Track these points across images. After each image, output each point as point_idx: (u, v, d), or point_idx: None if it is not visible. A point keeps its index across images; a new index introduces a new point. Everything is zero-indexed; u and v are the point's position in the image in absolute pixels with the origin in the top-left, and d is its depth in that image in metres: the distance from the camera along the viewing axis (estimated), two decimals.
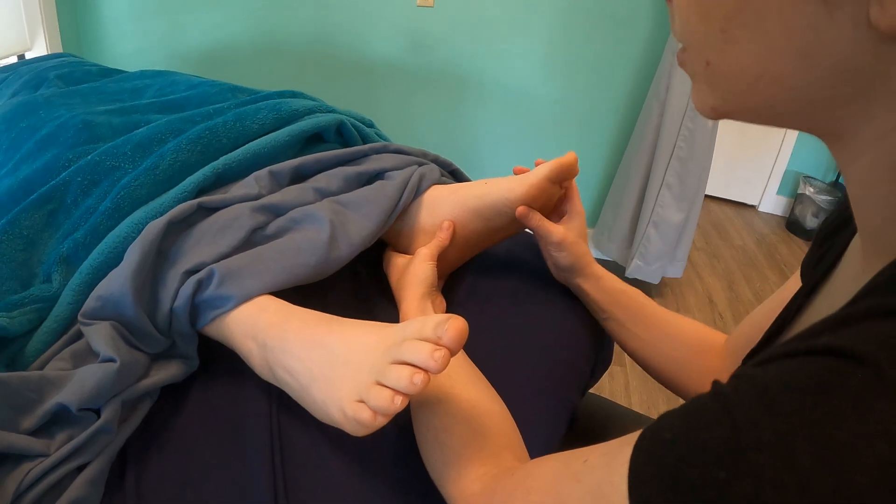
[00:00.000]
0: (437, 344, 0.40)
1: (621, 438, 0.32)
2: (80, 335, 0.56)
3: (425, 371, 0.40)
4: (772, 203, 3.32)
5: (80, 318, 0.55)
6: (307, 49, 2.31)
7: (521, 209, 0.65)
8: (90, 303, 0.54)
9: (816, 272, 0.47)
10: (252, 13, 2.31)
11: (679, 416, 0.28)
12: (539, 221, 0.66)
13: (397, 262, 0.70)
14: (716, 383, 0.28)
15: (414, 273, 0.64)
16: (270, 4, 2.27)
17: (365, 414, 0.42)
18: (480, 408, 0.48)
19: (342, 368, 0.45)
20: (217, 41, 2.41)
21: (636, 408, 1.65)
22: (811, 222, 2.99)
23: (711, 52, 0.31)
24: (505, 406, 0.51)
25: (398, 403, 0.41)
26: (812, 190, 2.96)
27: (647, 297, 0.70)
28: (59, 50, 2.32)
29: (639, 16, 1.99)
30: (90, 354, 0.54)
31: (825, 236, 0.49)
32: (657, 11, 1.96)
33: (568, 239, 0.67)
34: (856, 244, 0.43)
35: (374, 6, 2.17)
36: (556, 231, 0.67)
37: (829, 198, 2.91)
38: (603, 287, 0.70)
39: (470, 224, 0.68)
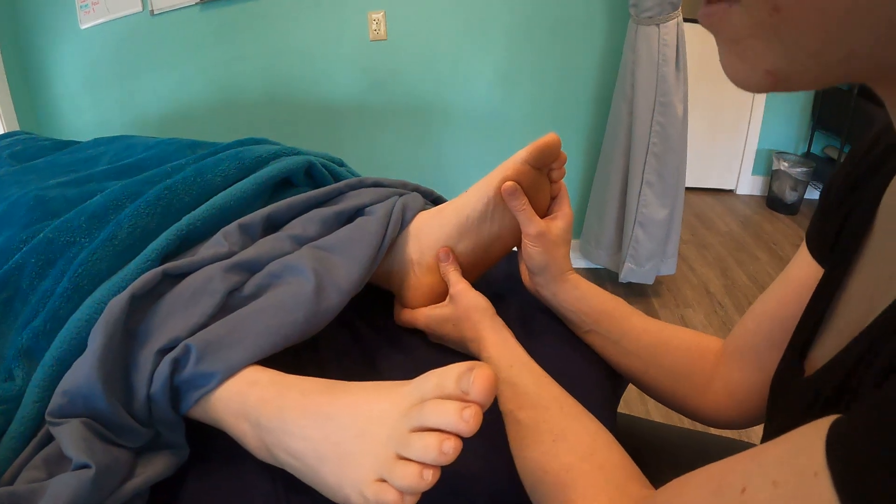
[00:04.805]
0: (464, 400, 0.35)
1: (766, 452, 0.27)
2: (52, 437, 0.49)
3: (455, 436, 0.34)
4: (749, 184, 3.33)
5: (47, 417, 0.49)
6: (265, 99, 2.28)
7: (507, 184, 0.59)
8: (56, 399, 0.48)
9: (844, 243, 0.42)
10: (205, 70, 2.28)
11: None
12: (524, 205, 0.60)
13: (441, 313, 0.63)
14: None
15: (474, 306, 0.59)
16: (222, 59, 2.24)
17: (390, 496, 0.36)
18: (601, 441, 0.44)
19: (354, 443, 0.39)
20: (173, 103, 2.37)
21: (654, 416, 1.59)
22: (791, 196, 3.01)
23: None
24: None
25: (428, 478, 0.34)
26: (786, 164, 2.98)
27: (631, 307, 0.64)
28: (16, 129, 2.26)
29: (593, 18, 1.98)
30: (65, 459, 0.47)
31: (836, 202, 0.44)
32: (611, 10, 1.96)
33: (548, 235, 0.61)
34: (892, 204, 0.38)
35: (327, 46, 2.15)
36: (537, 222, 0.61)
37: (805, 169, 2.93)
38: (582, 296, 0.64)
39: (461, 243, 0.63)
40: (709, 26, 0.28)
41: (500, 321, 0.58)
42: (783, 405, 0.44)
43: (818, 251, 0.48)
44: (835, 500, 0.21)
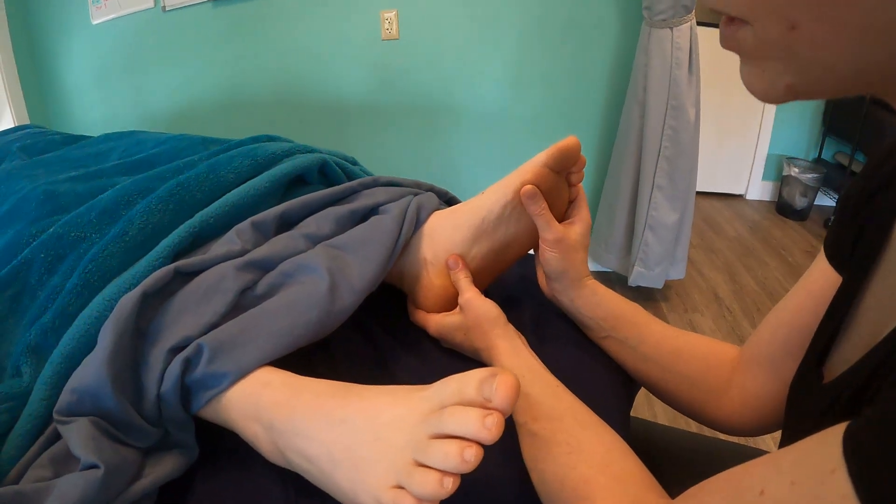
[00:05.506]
0: (486, 407, 0.34)
1: (783, 456, 0.27)
2: (58, 435, 0.48)
3: (477, 444, 0.33)
4: (758, 189, 3.31)
5: (55, 415, 0.48)
6: (275, 96, 2.28)
7: (527, 188, 0.57)
8: (65, 397, 0.47)
9: (861, 253, 0.42)
10: (216, 67, 2.28)
11: None
12: (543, 209, 0.59)
13: (452, 322, 0.62)
14: None
15: (484, 314, 0.57)
16: (233, 56, 2.24)
17: (408, 503, 0.35)
18: (617, 451, 0.44)
19: (370, 448, 0.38)
20: (184, 100, 2.37)
21: (661, 420, 1.58)
22: (800, 202, 2.99)
23: (800, 9, 0.25)
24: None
25: (448, 486, 0.34)
26: (796, 170, 2.96)
27: (649, 313, 0.64)
28: (26, 123, 2.27)
29: (605, 20, 1.97)
30: (72, 458, 0.46)
31: (854, 211, 0.44)
32: (624, 12, 1.95)
33: (566, 241, 0.60)
34: None
35: (338, 45, 2.14)
36: (556, 227, 0.60)
37: (815, 175, 2.91)
38: (600, 302, 0.63)
39: (476, 245, 0.62)
40: (728, 48, 0.29)
41: (511, 329, 0.57)
42: (800, 412, 0.44)
43: (836, 259, 0.47)
44: (851, 493, 0.22)
